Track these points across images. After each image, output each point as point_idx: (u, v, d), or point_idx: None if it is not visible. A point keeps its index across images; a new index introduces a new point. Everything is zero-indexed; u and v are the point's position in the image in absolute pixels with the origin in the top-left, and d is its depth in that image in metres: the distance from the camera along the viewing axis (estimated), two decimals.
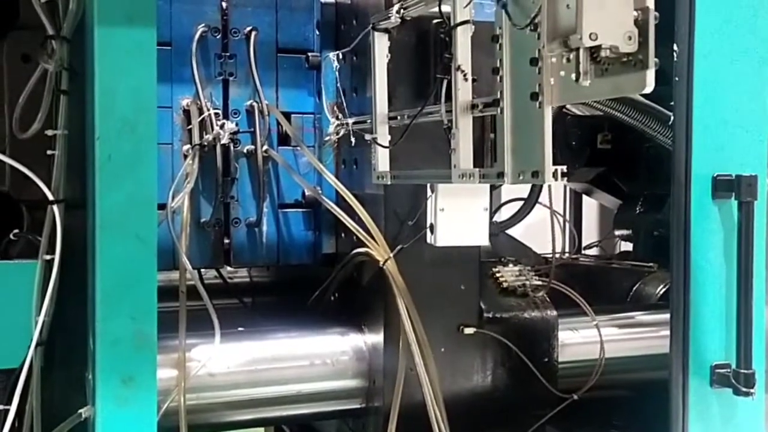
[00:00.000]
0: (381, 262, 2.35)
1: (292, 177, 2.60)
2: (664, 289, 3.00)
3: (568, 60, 1.49)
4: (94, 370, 1.90)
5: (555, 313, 2.63)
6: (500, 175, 1.72)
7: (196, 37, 2.52)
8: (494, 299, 2.58)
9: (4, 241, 2.21)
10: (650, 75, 1.36)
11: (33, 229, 2.20)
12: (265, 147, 2.56)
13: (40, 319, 2.03)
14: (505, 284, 2.63)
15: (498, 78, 1.72)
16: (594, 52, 1.41)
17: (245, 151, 2.58)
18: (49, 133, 2.12)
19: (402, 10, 2.16)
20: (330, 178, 2.48)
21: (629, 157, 3.33)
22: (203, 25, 2.54)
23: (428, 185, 2.26)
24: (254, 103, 2.57)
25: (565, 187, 3.88)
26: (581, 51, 1.42)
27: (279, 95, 2.64)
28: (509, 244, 3.07)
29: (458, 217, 2.21)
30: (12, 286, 2.06)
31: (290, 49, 2.64)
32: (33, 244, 2.13)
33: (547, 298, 2.66)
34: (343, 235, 2.62)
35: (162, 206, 2.21)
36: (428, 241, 2.28)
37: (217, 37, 2.58)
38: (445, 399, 2.36)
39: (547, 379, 2.57)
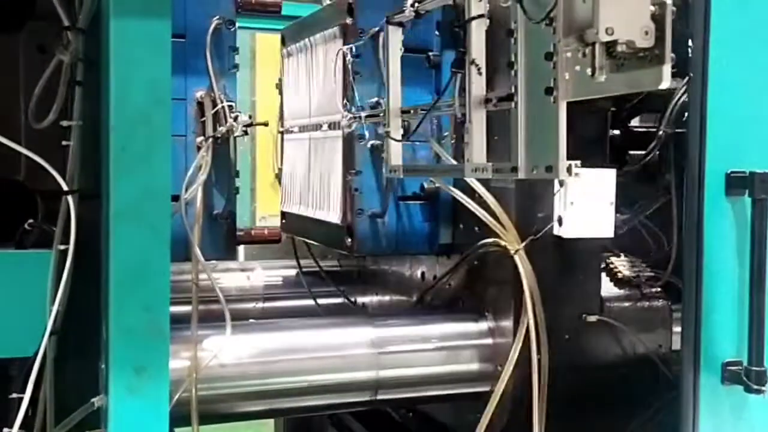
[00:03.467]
0: (512, 252, 2.39)
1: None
2: None
3: (584, 55, 1.47)
4: (106, 360, 1.91)
5: (668, 303, 2.66)
6: (514, 169, 1.72)
7: (210, 29, 2.53)
8: (611, 289, 2.64)
9: (19, 230, 2.22)
10: (666, 70, 1.36)
11: (47, 218, 2.22)
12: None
13: (54, 308, 2.05)
14: (619, 275, 2.66)
15: (512, 72, 1.72)
16: (610, 46, 1.40)
17: (369, 145, 2.67)
18: (64, 123, 2.12)
19: (417, 4, 2.16)
20: None
21: None
22: (217, 17, 2.55)
23: (556, 180, 2.29)
24: (380, 100, 2.65)
25: None
26: (597, 46, 1.41)
27: (401, 92, 2.69)
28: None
29: (586, 210, 2.33)
30: (26, 276, 2.08)
31: (412, 48, 2.70)
32: (47, 234, 2.15)
33: (660, 289, 2.69)
34: (461, 226, 2.72)
35: (175, 198, 2.22)
36: (555, 232, 2.37)
37: (231, 29, 2.59)
38: (567, 385, 2.43)
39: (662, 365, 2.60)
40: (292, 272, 3.66)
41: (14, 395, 2.07)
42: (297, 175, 3.31)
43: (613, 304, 2.59)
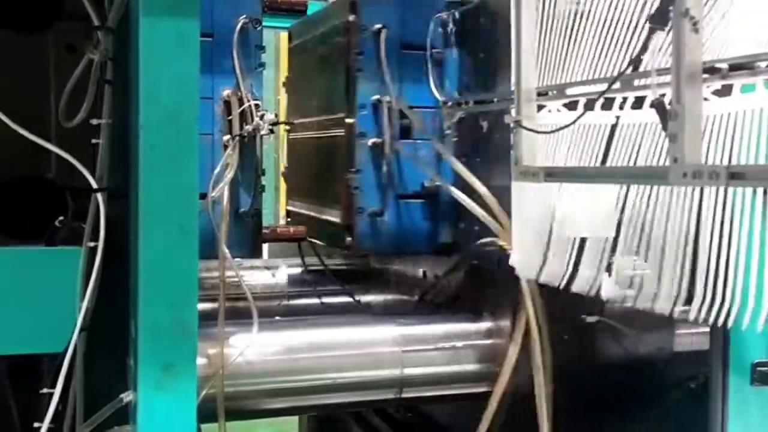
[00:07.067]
0: (509, 251, 2.37)
1: (423, 169, 2.70)
2: None
3: None
4: (135, 357, 1.93)
5: None
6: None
7: (237, 28, 2.55)
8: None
9: (49, 228, 2.25)
10: None
11: (77, 216, 2.24)
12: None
13: (84, 304, 2.07)
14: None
15: None
16: None
17: (370, 144, 2.68)
18: (94, 122, 2.14)
19: None
20: (463, 171, 2.53)
21: None
22: (244, 16, 2.57)
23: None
24: (382, 98, 2.66)
25: None
26: None
27: (402, 90, 2.73)
28: None
29: (588, 208, 2.24)
30: (57, 272, 2.10)
31: (413, 45, 2.74)
32: (77, 231, 2.17)
33: None
34: (462, 225, 2.72)
35: (202, 196, 2.24)
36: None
37: (258, 28, 2.60)
38: (566, 385, 2.41)
39: (662, 367, 2.56)
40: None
41: (45, 390, 2.10)
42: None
43: (613, 304, 2.49)
